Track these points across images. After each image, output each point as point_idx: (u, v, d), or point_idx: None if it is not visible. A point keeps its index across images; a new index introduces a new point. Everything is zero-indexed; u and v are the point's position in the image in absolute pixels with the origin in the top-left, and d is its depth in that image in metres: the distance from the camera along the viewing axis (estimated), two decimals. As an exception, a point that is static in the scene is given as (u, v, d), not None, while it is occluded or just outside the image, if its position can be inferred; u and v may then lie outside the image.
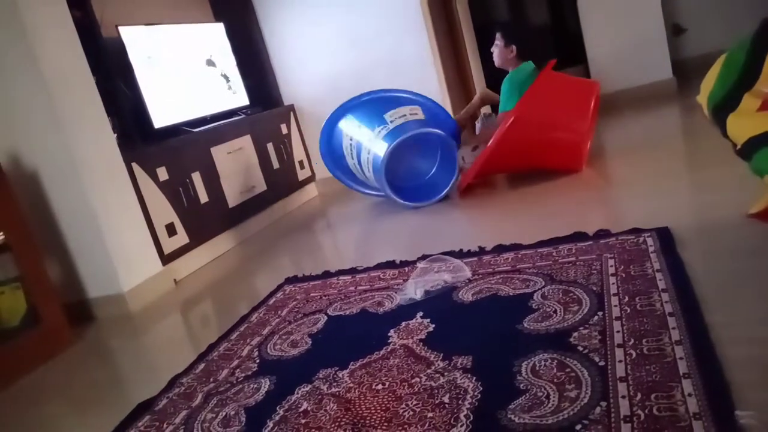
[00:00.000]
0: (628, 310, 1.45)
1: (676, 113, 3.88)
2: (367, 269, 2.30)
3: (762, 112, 1.36)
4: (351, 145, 3.24)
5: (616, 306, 1.49)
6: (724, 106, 1.50)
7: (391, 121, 3.06)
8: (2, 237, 2.33)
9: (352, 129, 3.25)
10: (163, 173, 2.94)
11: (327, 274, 2.38)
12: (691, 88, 4.15)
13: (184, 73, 3.41)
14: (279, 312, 2.10)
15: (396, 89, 3.31)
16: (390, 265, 2.27)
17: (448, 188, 3.13)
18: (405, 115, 3.08)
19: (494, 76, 4.87)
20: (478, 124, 3.48)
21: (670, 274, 1.57)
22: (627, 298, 1.51)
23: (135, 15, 3.34)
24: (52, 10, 2.52)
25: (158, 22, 3.36)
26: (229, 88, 3.76)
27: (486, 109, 4.74)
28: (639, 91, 4.27)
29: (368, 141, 3.11)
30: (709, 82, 1.61)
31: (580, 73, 4.52)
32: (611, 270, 1.71)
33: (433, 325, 1.66)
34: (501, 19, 5.78)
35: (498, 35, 3.31)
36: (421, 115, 3.13)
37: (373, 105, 3.22)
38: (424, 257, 2.16)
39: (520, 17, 5.89)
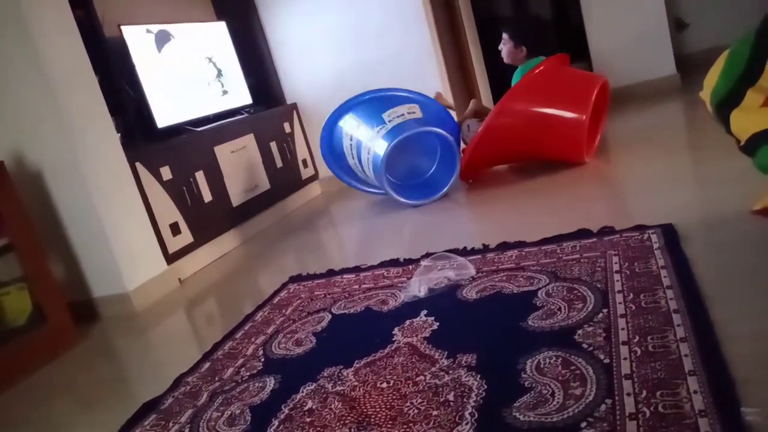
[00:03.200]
0: (633, 308, 1.45)
1: (679, 109, 3.87)
2: (371, 267, 2.31)
3: (766, 108, 1.35)
4: (351, 144, 3.24)
5: (620, 303, 1.49)
6: (727, 102, 1.49)
7: (390, 120, 3.05)
8: (7, 237, 2.34)
9: (352, 128, 3.26)
10: (166, 172, 2.94)
11: (331, 273, 2.38)
12: (695, 84, 4.15)
13: (187, 72, 3.41)
14: (283, 311, 2.11)
15: (396, 88, 3.31)
16: (394, 263, 2.27)
17: (448, 186, 3.13)
18: (403, 114, 3.07)
19: (496, 71, 4.88)
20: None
21: (675, 271, 1.57)
22: (632, 296, 1.51)
23: (137, 14, 3.34)
24: (55, 10, 2.52)
25: (160, 22, 3.36)
26: (232, 87, 3.75)
27: (487, 102, 4.75)
28: (642, 87, 4.26)
29: (368, 140, 3.11)
30: (712, 78, 1.60)
31: (584, 68, 4.51)
32: (616, 267, 1.70)
33: (438, 323, 1.67)
34: (503, 13, 5.77)
35: (505, 36, 3.32)
36: (419, 114, 3.13)
37: (372, 104, 3.22)
38: (427, 255, 2.16)
39: (523, 11, 5.87)
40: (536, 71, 2.94)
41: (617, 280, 1.62)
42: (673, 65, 4.23)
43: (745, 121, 1.42)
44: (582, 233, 2.03)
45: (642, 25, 4.22)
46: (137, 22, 3.19)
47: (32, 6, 2.42)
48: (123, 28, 3.04)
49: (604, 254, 1.82)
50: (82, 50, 2.62)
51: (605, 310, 1.47)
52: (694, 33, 4.71)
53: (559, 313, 1.52)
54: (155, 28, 3.26)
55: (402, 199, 3.10)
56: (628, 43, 4.28)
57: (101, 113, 2.66)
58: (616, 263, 1.73)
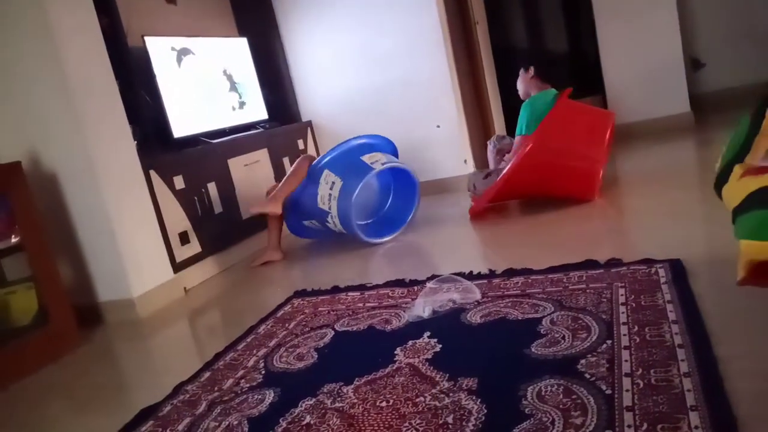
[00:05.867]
0: (638, 340, 1.44)
1: (691, 147, 3.88)
2: (376, 286, 2.31)
3: (744, 178, 1.37)
4: (331, 194, 3.02)
5: (625, 335, 1.48)
6: (721, 180, 1.53)
7: (331, 187, 2.98)
8: (18, 237, 2.37)
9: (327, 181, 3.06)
10: (179, 182, 2.97)
11: (336, 290, 2.38)
12: (708, 123, 4.18)
13: (206, 84, 3.46)
14: (286, 325, 2.11)
15: (356, 138, 3.19)
16: (399, 283, 2.28)
17: (411, 214, 3.18)
18: (334, 182, 2.97)
19: (511, 99, 4.91)
20: (490, 145, 3.48)
21: (681, 306, 1.57)
22: (637, 328, 1.51)
23: (161, 26, 3.41)
24: (81, 17, 2.58)
25: (184, 34, 3.43)
26: (249, 101, 3.80)
27: (501, 131, 4.76)
28: (656, 123, 4.28)
29: (326, 206, 3.02)
30: (718, 161, 1.64)
31: (598, 102, 4.54)
32: (621, 299, 1.70)
33: (440, 345, 1.66)
34: (519, 44, 5.82)
35: (522, 70, 3.34)
36: (381, 158, 3.03)
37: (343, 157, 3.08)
38: (433, 277, 2.16)
39: (538, 43, 5.93)
40: (553, 116, 2.93)
41: (623, 312, 1.61)
42: (687, 103, 4.25)
43: (730, 195, 1.44)
44: (589, 264, 2.02)
45: (658, 61, 4.25)
46: (161, 34, 3.25)
47: (57, 10, 2.47)
48: (146, 38, 3.11)
49: (610, 286, 1.81)
50: (105, 57, 2.67)
51: (609, 341, 1.47)
52: (710, 73, 4.73)
53: (562, 341, 1.51)
54: (178, 40, 3.32)
55: (372, 240, 3.05)
56: (643, 78, 4.31)
57: (119, 120, 2.70)
58: (622, 295, 1.72)
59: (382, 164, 2.99)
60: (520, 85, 3.35)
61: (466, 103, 4.13)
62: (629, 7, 4.25)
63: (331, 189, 2.96)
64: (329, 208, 2.97)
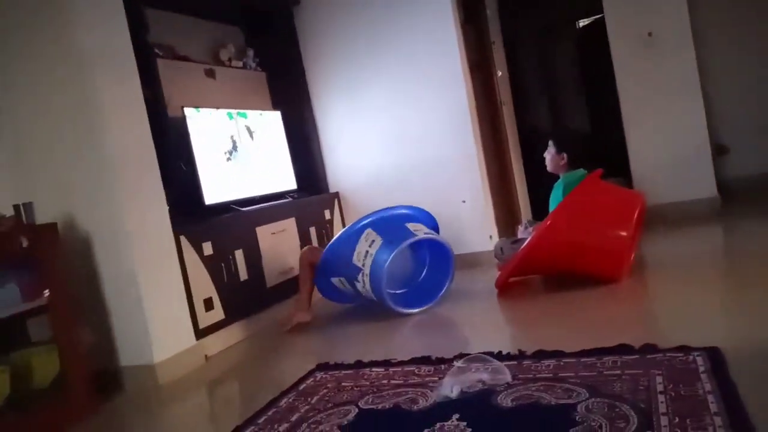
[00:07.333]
0: (679, 432, 1.38)
1: (719, 232, 3.84)
2: (401, 363, 2.26)
3: None
4: (365, 260, 3.04)
5: (665, 426, 1.42)
6: None
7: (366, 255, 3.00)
8: (44, 299, 2.37)
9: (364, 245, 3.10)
10: (208, 248, 3.00)
11: (359, 364, 2.34)
12: (735, 208, 4.15)
13: (239, 155, 3.56)
14: (309, 399, 2.06)
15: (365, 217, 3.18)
16: (425, 360, 2.23)
17: (444, 290, 3.15)
18: (374, 240, 3.00)
19: (536, 180, 4.96)
20: (520, 228, 3.50)
21: (723, 398, 1.50)
22: (677, 419, 1.44)
23: (201, 99, 3.54)
24: (126, 88, 2.69)
25: (222, 106, 3.56)
26: (279, 171, 3.89)
27: (525, 207, 4.79)
28: (683, 206, 4.26)
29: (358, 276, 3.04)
30: None
31: (622, 184, 4.55)
32: (659, 387, 1.64)
33: (470, 429, 1.61)
34: (544, 126, 5.94)
35: (550, 143, 3.42)
36: (378, 240, 3.03)
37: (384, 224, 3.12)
38: (461, 356, 2.11)
39: (562, 125, 6.04)
40: (577, 194, 2.97)
41: (662, 402, 1.55)
42: (714, 188, 4.24)
43: None
44: (623, 349, 1.97)
45: (684, 146, 4.27)
46: (200, 106, 3.37)
47: (105, 81, 2.59)
48: (186, 109, 3.23)
49: (647, 373, 1.75)
50: (146, 127, 2.76)
51: (649, 432, 1.41)
52: (736, 158, 4.75)
53: (599, 430, 1.45)
54: (217, 112, 3.45)
55: (399, 309, 3.02)
56: (668, 161, 4.33)
57: (155, 187, 2.77)
58: (660, 383, 1.66)
59: (425, 233, 3.03)
60: (548, 161, 3.42)
61: (491, 179, 4.18)
62: (654, 92, 4.33)
63: (369, 246, 2.99)
64: (363, 265, 2.97)
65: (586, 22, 5.84)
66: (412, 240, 2.98)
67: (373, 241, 3.00)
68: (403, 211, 3.25)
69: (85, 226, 2.65)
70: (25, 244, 2.30)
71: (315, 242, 3.89)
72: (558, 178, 3.38)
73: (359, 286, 3.05)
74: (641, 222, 3.09)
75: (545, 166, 3.47)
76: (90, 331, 2.65)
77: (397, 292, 3.28)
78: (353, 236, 3.08)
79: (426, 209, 3.34)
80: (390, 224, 3.10)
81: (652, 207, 4.21)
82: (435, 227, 3.36)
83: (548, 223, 2.91)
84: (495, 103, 4.81)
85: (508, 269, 3.09)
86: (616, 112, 4.53)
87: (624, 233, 2.89)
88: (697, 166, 4.26)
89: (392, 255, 2.90)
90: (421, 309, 3.07)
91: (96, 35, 2.58)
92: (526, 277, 3.32)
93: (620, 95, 4.45)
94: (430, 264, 3.35)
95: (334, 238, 3.19)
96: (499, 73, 4.91)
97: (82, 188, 2.64)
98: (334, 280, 3.21)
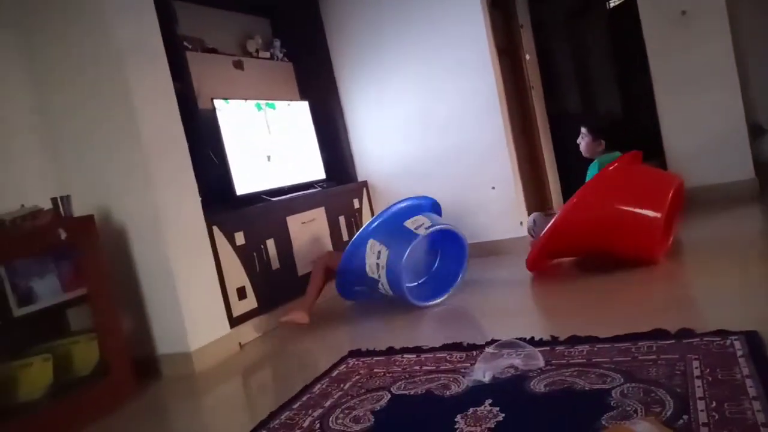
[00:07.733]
0: (716, 417, 1.36)
1: (757, 214, 3.74)
2: (432, 349, 2.27)
3: None
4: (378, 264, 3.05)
5: (702, 411, 1.40)
6: None
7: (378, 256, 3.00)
8: (84, 289, 2.44)
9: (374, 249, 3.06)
10: (240, 238, 3.05)
11: (391, 351, 2.35)
12: (775, 190, 4.03)
13: (269, 145, 3.59)
14: (342, 385, 2.09)
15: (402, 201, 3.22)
16: (457, 347, 2.23)
17: (461, 276, 3.14)
18: (380, 251, 2.98)
19: (567, 165, 4.90)
20: (528, 223, 3.52)
21: (761, 382, 1.48)
22: (714, 404, 1.42)
23: (229, 90, 3.58)
24: (158, 81, 2.74)
25: (250, 98, 3.59)
26: (308, 161, 3.91)
27: (556, 193, 4.74)
28: (718, 189, 4.16)
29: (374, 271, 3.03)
30: None
31: (658, 167, 4.46)
32: (696, 372, 1.61)
33: (503, 414, 1.60)
34: (574, 109, 5.85)
35: (584, 130, 3.39)
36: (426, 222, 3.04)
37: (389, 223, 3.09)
38: (493, 342, 2.11)
39: (593, 109, 5.94)
40: (611, 167, 2.94)
41: (698, 386, 1.53)
42: (751, 169, 4.12)
43: None
44: (658, 333, 1.94)
45: (719, 127, 4.16)
46: (229, 97, 3.41)
47: (137, 76, 2.63)
48: (215, 101, 3.26)
49: (683, 357, 1.73)
50: (178, 119, 2.81)
51: (686, 417, 1.39)
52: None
53: (635, 415, 1.44)
54: (245, 103, 3.48)
55: (422, 303, 3.01)
56: (704, 144, 4.22)
57: (188, 178, 2.82)
58: (696, 368, 1.64)
59: (426, 228, 2.98)
60: (583, 147, 3.40)
61: (521, 165, 4.13)
62: (688, 72, 4.22)
63: (378, 258, 2.98)
64: (379, 277, 2.98)
65: (617, 2, 5.72)
66: (415, 242, 2.92)
67: (380, 252, 2.97)
68: (400, 206, 3.16)
69: (121, 218, 2.71)
70: (63, 236, 2.36)
71: (344, 231, 3.91)
72: (592, 161, 3.35)
73: (382, 291, 3.07)
74: (681, 205, 3.03)
75: (576, 152, 3.43)
76: (128, 320, 2.72)
77: (418, 283, 3.27)
78: (359, 248, 3.05)
79: (442, 197, 3.36)
80: (390, 228, 3.04)
81: (688, 190, 4.12)
82: (436, 209, 3.32)
83: (573, 201, 2.89)
84: (524, 88, 4.75)
85: (538, 245, 3.06)
86: (648, 94, 4.43)
87: (658, 213, 2.83)
88: (733, 148, 4.14)
89: (402, 263, 2.88)
90: (441, 299, 3.06)
91: (129, 30, 2.63)
92: (560, 260, 3.30)
93: (653, 76, 4.35)
94: (444, 250, 3.31)
95: (343, 254, 3.12)
96: (528, 57, 4.84)
97: (117, 181, 2.69)
98: (359, 288, 3.23)
